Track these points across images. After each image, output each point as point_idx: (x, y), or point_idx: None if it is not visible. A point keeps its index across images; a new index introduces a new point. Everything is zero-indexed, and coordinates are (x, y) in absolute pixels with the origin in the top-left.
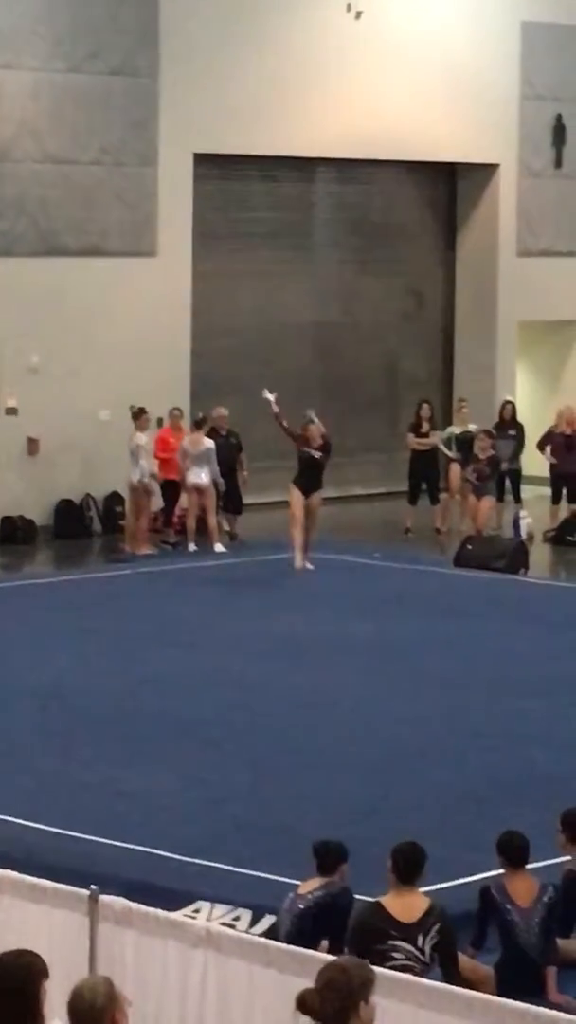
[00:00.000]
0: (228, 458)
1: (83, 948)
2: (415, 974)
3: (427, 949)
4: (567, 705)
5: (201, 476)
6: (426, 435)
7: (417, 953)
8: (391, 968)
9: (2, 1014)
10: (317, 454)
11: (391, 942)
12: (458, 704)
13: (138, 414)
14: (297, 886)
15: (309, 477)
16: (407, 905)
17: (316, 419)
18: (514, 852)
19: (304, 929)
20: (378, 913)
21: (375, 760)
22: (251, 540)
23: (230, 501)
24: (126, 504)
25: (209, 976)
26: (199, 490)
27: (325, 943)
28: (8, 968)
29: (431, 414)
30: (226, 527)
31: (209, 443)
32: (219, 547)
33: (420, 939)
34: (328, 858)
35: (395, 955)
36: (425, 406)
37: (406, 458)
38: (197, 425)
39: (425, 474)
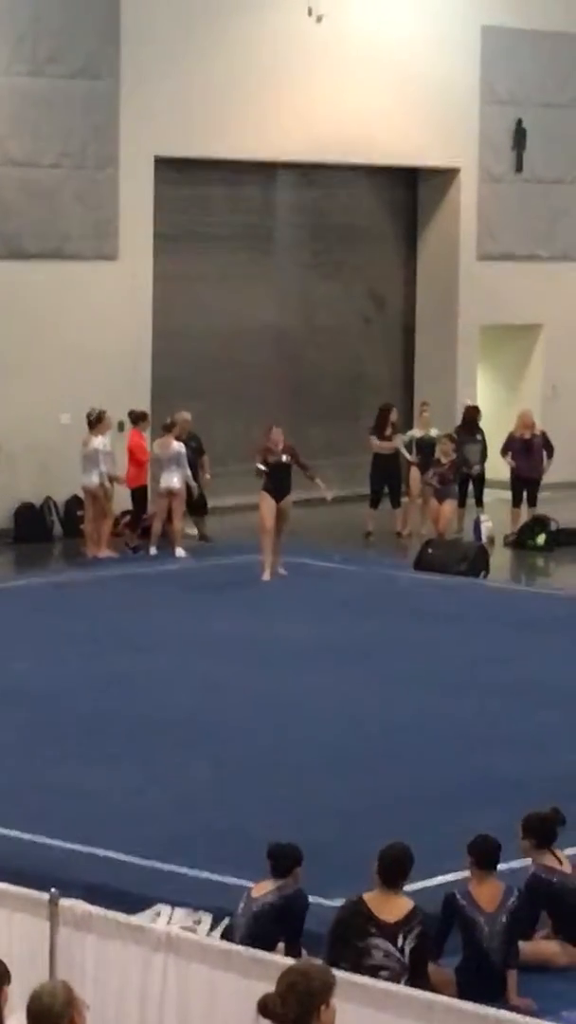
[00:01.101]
0: (191, 462)
1: (43, 952)
2: (392, 975)
3: (406, 950)
4: (528, 707)
5: (173, 480)
6: (389, 438)
7: (396, 953)
8: (368, 967)
9: None
10: (285, 458)
11: (371, 939)
12: (420, 706)
13: (99, 417)
14: (250, 888)
15: (279, 482)
16: (390, 904)
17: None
18: (485, 856)
19: (259, 932)
20: (360, 909)
21: (338, 762)
22: (214, 543)
23: (196, 503)
24: (86, 508)
25: (169, 980)
26: (171, 494)
27: (281, 945)
28: None
29: (396, 417)
30: (192, 530)
31: (179, 446)
32: (181, 552)
33: (400, 939)
34: (283, 861)
35: (373, 953)
36: (393, 410)
37: (367, 461)
38: (166, 429)
39: (387, 478)
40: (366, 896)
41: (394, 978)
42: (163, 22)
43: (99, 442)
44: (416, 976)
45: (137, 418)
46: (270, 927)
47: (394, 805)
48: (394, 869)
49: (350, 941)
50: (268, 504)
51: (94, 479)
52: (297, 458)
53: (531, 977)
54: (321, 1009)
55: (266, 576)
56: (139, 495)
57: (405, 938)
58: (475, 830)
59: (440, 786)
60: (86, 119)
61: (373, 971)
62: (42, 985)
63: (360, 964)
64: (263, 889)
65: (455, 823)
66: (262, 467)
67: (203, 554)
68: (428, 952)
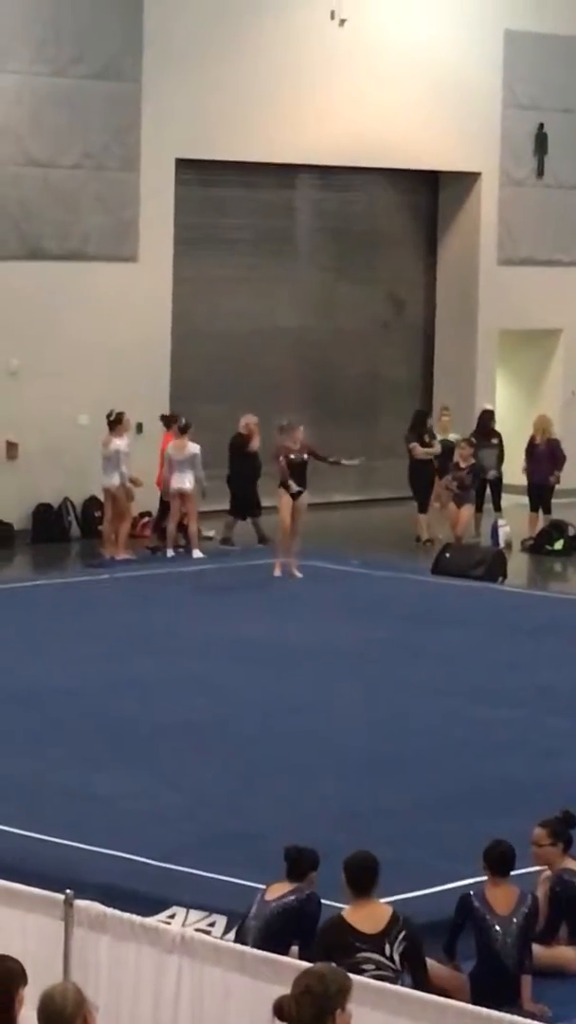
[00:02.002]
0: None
1: (57, 953)
2: (389, 983)
3: (396, 957)
4: (544, 713)
5: (185, 482)
6: (431, 444)
7: (387, 962)
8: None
9: None
10: (304, 455)
11: (360, 955)
12: (436, 711)
13: (119, 418)
14: (263, 890)
15: (295, 479)
16: (369, 915)
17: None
18: (500, 861)
19: (272, 935)
20: (341, 927)
21: (353, 767)
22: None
23: (251, 504)
24: (105, 509)
25: (183, 982)
26: (182, 495)
27: (295, 949)
28: None
29: (432, 423)
30: (209, 532)
31: (194, 448)
32: (198, 553)
33: (387, 948)
34: (300, 864)
35: (366, 967)
36: (430, 416)
37: (386, 465)
38: (182, 431)
39: (427, 483)
40: (344, 913)
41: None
42: (185, 24)
43: (119, 443)
44: (415, 977)
45: (170, 421)
46: (284, 930)
47: (409, 810)
48: (362, 877)
49: (338, 960)
50: (286, 501)
51: (115, 480)
52: (315, 452)
53: (546, 983)
54: (337, 1013)
55: (276, 572)
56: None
57: (392, 945)
58: (490, 835)
59: (456, 791)
60: (107, 121)
61: None
62: (53, 986)
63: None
64: (277, 892)
65: (471, 828)
66: (293, 486)
67: (220, 557)
68: (421, 951)
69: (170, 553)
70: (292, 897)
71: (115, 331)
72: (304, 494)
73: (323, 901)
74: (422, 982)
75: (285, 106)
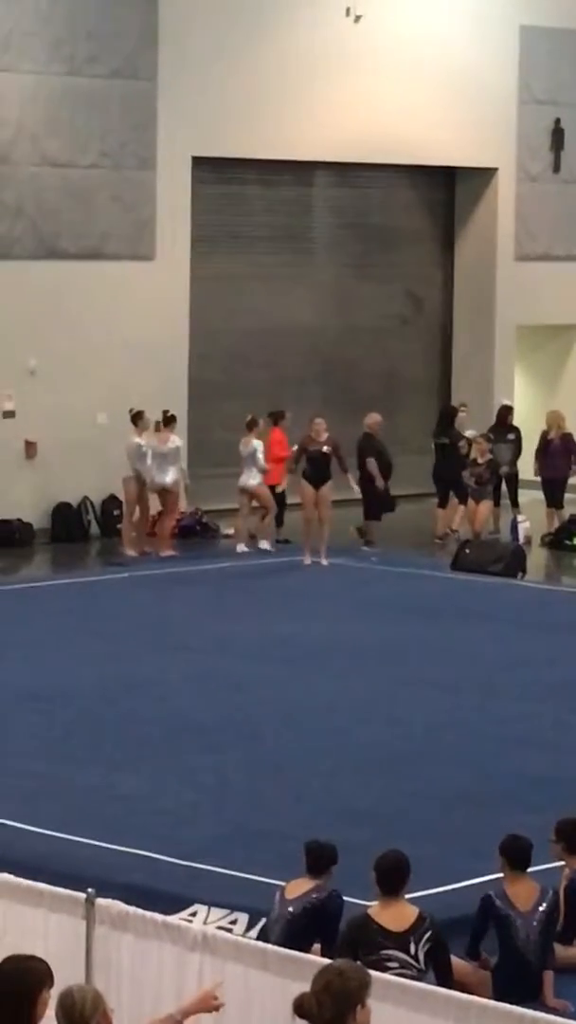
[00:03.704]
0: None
1: (79, 951)
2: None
3: (420, 956)
4: (565, 710)
5: (166, 477)
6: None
7: (411, 961)
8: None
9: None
10: (326, 448)
11: (384, 952)
12: (456, 708)
13: (139, 415)
14: (283, 887)
15: (317, 470)
16: (396, 914)
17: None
18: (518, 855)
19: (295, 934)
20: (368, 924)
21: (373, 763)
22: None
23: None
24: (125, 505)
25: (205, 979)
26: (164, 491)
27: (317, 947)
28: (8, 974)
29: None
30: (229, 531)
31: (177, 441)
32: (169, 552)
33: (413, 947)
34: (319, 859)
35: (390, 964)
36: (459, 411)
37: (405, 462)
38: (166, 423)
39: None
40: (371, 910)
41: None
42: (201, 22)
43: (143, 440)
44: (440, 976)
45: (277, 417)
46: (307, 929)
47: (429, 806)
48: (392, 877)
49: (362, 957)
50: (308, 492)
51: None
52: (338, 451)
53: (567, 979)
54: (357, 1009)
55: (307, 561)
56: (278, 493)
57: (418, 944)
58: (510, 831)
59: (475, 788)
60: (124, 119)
61: None
62: (70, 986)
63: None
64: (297, 890)
65: (490, 825)
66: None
67: (235, 555)
68: (446, 951)
69: (170, 552)
70: (314, 896)
71: (133, 330)
72: (327, 485)
73: (348, 899)
74: (448, 982)
75: (301, 103)
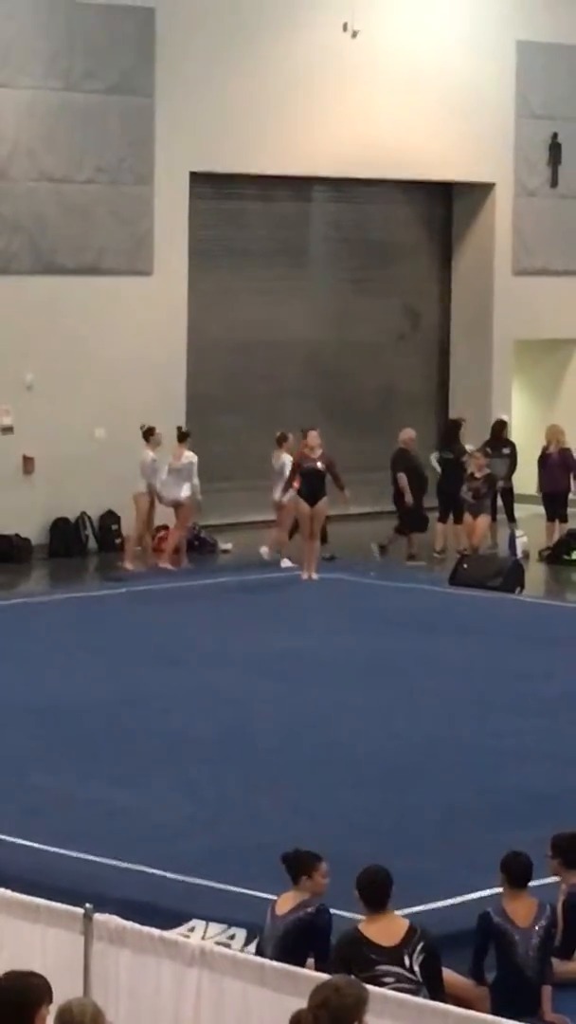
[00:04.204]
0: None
1: (77, 967)
2: (410, 995)
3: (416, 968)
4: (563, 724)
5: (181, 491)
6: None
7: (407, 974)
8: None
9: None
10: (320, 464)
11: (379, 967)
12: (454, 722)
13: (151, 431)
14: (273, 904)
15: (312, 487)
16: (385, 928)
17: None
18: (518, 872)
19: (287, 950)
20: (358, 941)
21: (371, 778)
22: (246, 558)
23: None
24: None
25: (203, 995)
26: (177, 505)
27: (311, 961)
28: (8, 989)
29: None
30: (227, 546)
31: (192, 457)
32: (166, 565)
33: (407, 960)
34: (298, 866)
35: (386, 980)
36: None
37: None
38: (180, 439)
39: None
40: (360, 925)
41: None
42: (198, 37)
43: (150, 455)
44: (431, 989)
45: (281, 440)
46: (298, 945)
47: (427, 821)
48: (374, 891)
49: (357, 974)
50: (303, 509)
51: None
52: (333, 468)
53: (565, 994)
54: None
55: (305, 576)
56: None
57: (412, 956)
58: (509, 847)
59: (473, 802)
60: (121, 134)
61: None
62: (69, 1001)
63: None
64: (285, 906)
65: (488, 839)
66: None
67: (234, 570)
68: (438, 963)
69: (168, 566)
70: (302, 912)
71: (130, 345)
72: (323, 501)
73: (342, 913)
74: (439, 995)
75: (298, 118)
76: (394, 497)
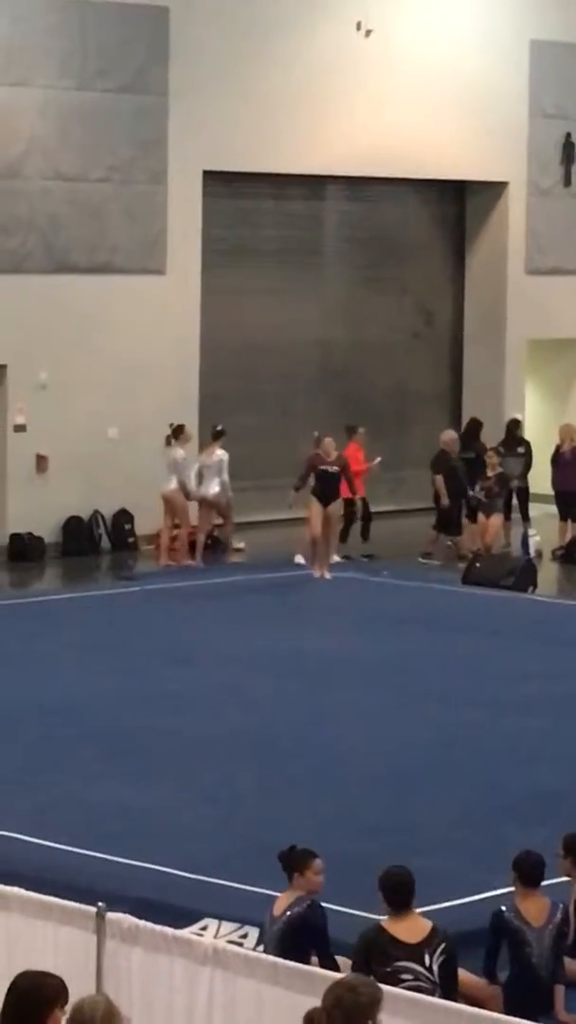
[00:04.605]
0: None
1: (90, 965)
2: (427, 994)
3: (435, 969)
4: (574, 723)
5: (211, 488)
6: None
7: (426, 973)
8: (402, 989)
9: None
10: (334, 468)
11: (398, 963)
12: (466, 722)
13: (180, 429)
14: (273, 904)
15: (326, 489)
16: (410, 927)
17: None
18: (530, 872)
19: (287, 949)
20: (381, 935)
21: (383, 777)
22: (261, 557)
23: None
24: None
25: (216, 994)
26: (207, 503)
27: (315, 959)
28: (23, 989)
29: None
30: (240, 545)
31: (223, 455)
32: (189, 561)
33: (427, 958)
34: (292, 863)
35: (404, 976)
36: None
37: (413, 476)
38: (214, 438)
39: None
40: (384, 923)
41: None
42: (212, 36)
43: (180, 453)
44: (446, 990)
45: (352, 431)
46: (297, 943)
47: (439, 820)
48: (399, 891)
49: (375, 968)
50: (316, 509)
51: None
52: (347, 471)
53: None
54: None
55: (317, 573)
56: (348, 505)
57: (432, 955)
58: (520, 846)
59: (485, 801)
60: (134, 133)
61: None
62: (82, 998)
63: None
64: (281, 906)
65: (499, 839)
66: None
67: (247, 569)
68: (455, 966)
69: (198, 562)
70: (296, 909)
71: (144, 344)
72: (336, 503)
73: (355, 912)
74: (452, 996)
75: (312, 117)
76: (434, 497)
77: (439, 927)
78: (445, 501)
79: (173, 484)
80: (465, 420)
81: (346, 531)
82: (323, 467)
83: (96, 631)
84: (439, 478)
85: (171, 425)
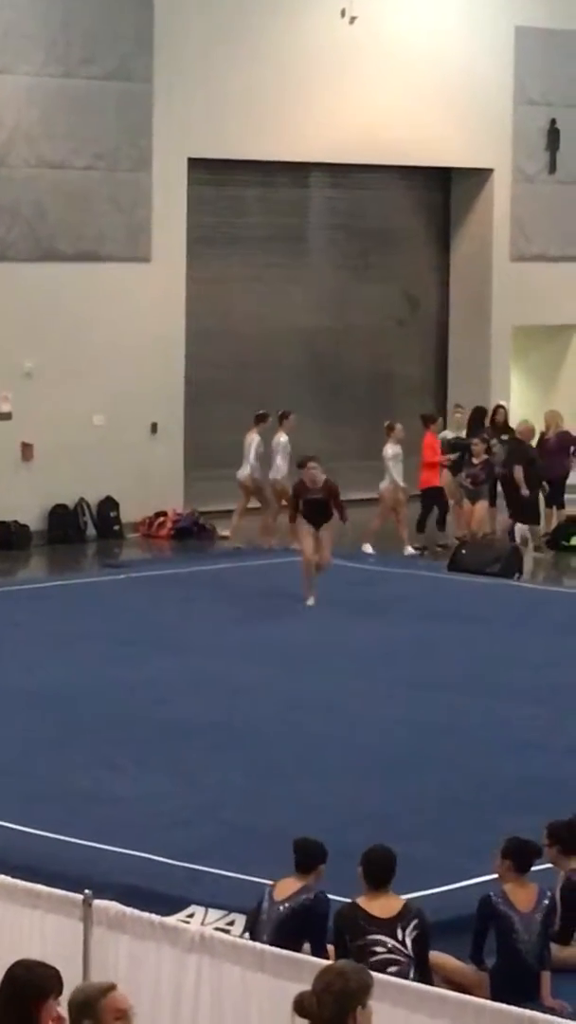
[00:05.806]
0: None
1: (77, 953)
2: (400, 967)
3: (408, 943)
4: (562, 710)
5: (280, 472)
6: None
7: (399, 946)
8: (376, 962)
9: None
10: (319, 495)
11: (370, 936)
12: (453, 709)
13: (263, 417)
14: (272, 887)
15: (315, 514)
16: (383, 904)
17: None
18: (522, 858)
19: (285, 934)
20: (354, 911)
21: (370, 764)
22: (248, 545)
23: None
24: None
25: (203, 981)
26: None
27: (307, 947)
28: (18, 978)
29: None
30: (225, 532)
31: (283, 438)
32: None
33: (400, 932)
34: (308, 857)
35: (377, 949)
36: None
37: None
38: (280, 420)
39: None
40: (359, 900)
41: (404, 971)
42: (196, 24)
43: (254, 438)
44: (418, 969)
45: (429, 420)
46: (295, 930)
47: (427, 808)
48: (380, 871)
49: (349, 943)
50: (305, 531)
51: (246, 471)
52: (336, 498)
53: (564, 979)
54: (357, 1011)
55: (310, 602)
56: (429, 496)
57: (405, 930)
58: (507, 834)
59: (474, 789)
60: (119, 121)
61: (381, 967)
62: (79, 985)
63: (365, 963)
64: (285, 891)
65: (488, 826)
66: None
67: (237, 556)
68: (427, 943)
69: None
70: (302, 897)
71: (129, 331)
72: (328, 525)
73: (338, 898)
74: (426, 974)
75: (297, 104)
76: (504, 486)
77: (412, 904)
78: (525, 492)
79: (247, 470)
80: (449, 406)
81: (423, 521)
82: (308, 496)
83: (82, 619)
84: (519, 469)
85: (258, 414)
